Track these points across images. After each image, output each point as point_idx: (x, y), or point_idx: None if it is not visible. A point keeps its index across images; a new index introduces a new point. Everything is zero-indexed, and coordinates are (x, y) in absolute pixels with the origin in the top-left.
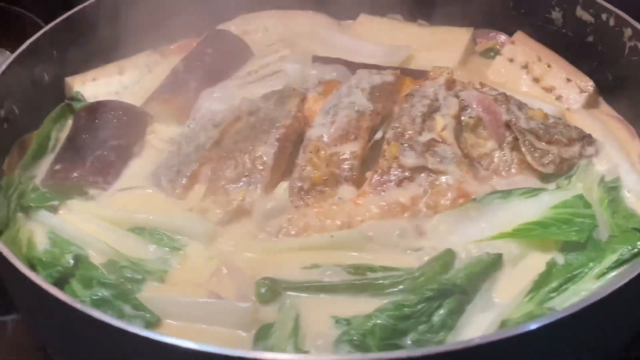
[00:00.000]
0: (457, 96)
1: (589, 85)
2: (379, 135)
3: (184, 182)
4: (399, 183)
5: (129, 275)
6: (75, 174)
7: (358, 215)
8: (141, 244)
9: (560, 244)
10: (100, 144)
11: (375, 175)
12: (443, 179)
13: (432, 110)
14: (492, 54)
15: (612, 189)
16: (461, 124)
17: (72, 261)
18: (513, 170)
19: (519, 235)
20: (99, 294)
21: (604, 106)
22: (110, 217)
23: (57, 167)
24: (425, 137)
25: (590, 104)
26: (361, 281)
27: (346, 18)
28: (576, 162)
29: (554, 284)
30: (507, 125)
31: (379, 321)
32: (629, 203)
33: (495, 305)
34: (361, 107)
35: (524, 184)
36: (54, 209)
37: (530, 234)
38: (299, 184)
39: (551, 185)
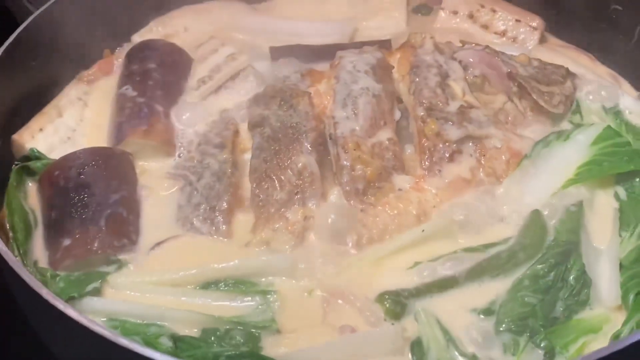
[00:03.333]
0: (453, 58)
1: (539, 22)
2: (397, 115)
3: (224, 217)
4: (451, 158)
5: (241, 340)
6: (96, 245)
7: (429, 201)
8: (226, 300)
9: (614, 176)
10: (102, 202)
11: (425, 157)
12: (489, 143)
13: (444, 77)
14: (424, 10)
15: (617, 113)
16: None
17: (170, 344)
18: (529, 118)
19: (583, 178)
20: None
21: (553, 39)
22: (170, 279)
23: (66, 242)
24: (453, 106)
25: (541, 40)
26: (478, 265)
27: (261, 1)
28: (574, 98)
29: (637, 214)
30: (509, 77)
31: (531, 300)
32: (636, 123)
33: (601, 252)
34: (376, 91)
35: (542, 129)
36: (96, 292)
37: (591, 174)
38: (354, 186)
39: (564, 124)
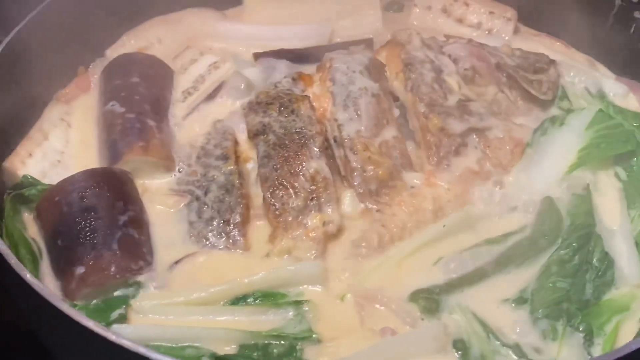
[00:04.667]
0: (442, 53)
1: (512, 12)
2: (396, 113)
3: (240, 230)
4: (457, 152)
5: (284, 353)
6: (112, 270)
7: (442, 196)
8: (259, 314)
9: (613, 157)
10: (110, 224)
11: (432, 152)
12: (492, 134)
13: (438, 72)
14: (395, 7)
15: (603, 96)
16: None
17: None
18: (520, 107)
19: (585, 162)
20: None
21: (525, 29)
22: (198, 298)
23: (80, 270)
24: (452, 100)
25: (515, 30)
26: (502, 255)
27: (229, 7)
28: (559, 84)
29: (637, 195)
30: (498, 68)
31: (562, 285)
32: (622, 104)
33: (615, 232)
34: (374, 90)
35: (534, 116)
36: (122, 318)
37: (592, 157)
38: (367, 188)
39: (554, 110)
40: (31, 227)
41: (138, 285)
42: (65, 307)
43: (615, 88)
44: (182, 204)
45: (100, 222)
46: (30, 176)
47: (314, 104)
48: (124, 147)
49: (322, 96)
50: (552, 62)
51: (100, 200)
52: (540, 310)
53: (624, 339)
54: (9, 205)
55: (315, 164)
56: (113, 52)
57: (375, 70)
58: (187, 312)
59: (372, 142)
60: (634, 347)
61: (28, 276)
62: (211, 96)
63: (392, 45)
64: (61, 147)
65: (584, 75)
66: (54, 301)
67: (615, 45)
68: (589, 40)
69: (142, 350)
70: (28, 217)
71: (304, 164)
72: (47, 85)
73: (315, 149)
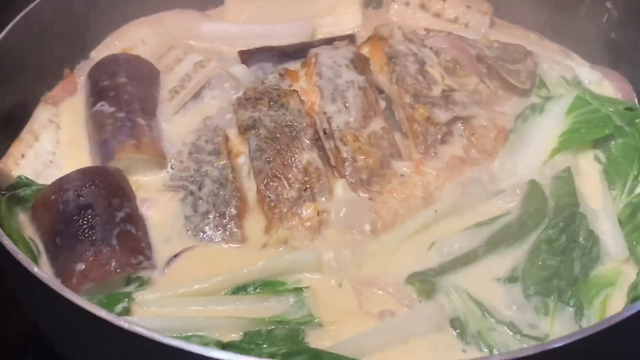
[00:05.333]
0: (424, 46)
1: (488, 6)
2: (382, 104)
3: (236, 222)
4: (443, 140)
5: (287, 337)
6: (113, 264)
7: (431, 183)
8: (260, 302)
9: (592, 141)
10: (108, 221)
11: (419, 141)
12: (476, 122)
13: (421, 64)
14: (374, 4)
15: (578, 83)
16: None
17: None
18: (501, 96)
19: (566, 146)
20: None
21: (500, 22)
22: (199, 289)
23: (81, 267)
24: (436, 90)
25: (490, 24)
26: (493, 237)
27: (210, 7)
28: (537, 74)
29: (620, 173)
30: (478, 59)
31: (552, 262)
32: (597, 91)
33: (598, 212)
34: (360, 83)
35: (515, 104)
36: (126, 312)
37: (572, 141)
38: (359, 177)
39: (533, 99)
40: (27, 228)
41: (139, 279)
42: (75, 298)
43: (590, 76)
44: (176, 199)
45: (98, 219)
46: (25, 177)
47: (302, 98)
48: (116, 146)
49: (310, 90)
50: (528, 52)
51: (97, 198)
52: (532, 288)
53: (613, 311)
54: (5, 206)
55: (308, 156)
56: (98, 54)
57: (360, 63)
58: (189, 303)
59: (361, 133)
60: (619, 319)
61: (36, 269)
62: (199, 94)
63: (375, 40)
64: (52, 147)
65: (559, 64)
66: (66, 294)
67: (588, 35)
68: (563, 31)
69: (157, 336)
70: (24, 218)
71: (296, 155)
72: (35, 88)
73: (307, 140)
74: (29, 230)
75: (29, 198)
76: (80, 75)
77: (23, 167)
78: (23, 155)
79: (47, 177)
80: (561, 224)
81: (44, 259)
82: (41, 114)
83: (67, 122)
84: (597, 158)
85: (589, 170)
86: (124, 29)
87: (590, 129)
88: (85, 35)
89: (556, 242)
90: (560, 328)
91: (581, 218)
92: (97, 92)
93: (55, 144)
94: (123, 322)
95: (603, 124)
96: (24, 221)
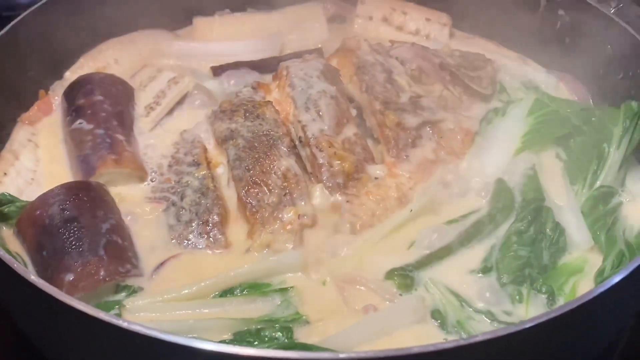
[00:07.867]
0: (390, 56)
1: (447, 18)
2: (353, 112)
3: (219, 229)
4: (413, 144)
5: (277, 335)
6: (102, 273)
7: (405, 184)
8: (247, 303)
9: (553, 140)
10: (94, 232)
11: (391, 146)
12: (444, 125)
13: (389, 73)
14: (339, 19)
15: (536, 87)
16: None
17: None
18: (465, 102)
19: (528, 146)
20: None
21: (459, 33)
22: (188, 294)
23: (69, 277)
24: (404, 97)
25: (450, 35)
26: (465, 232)
27: (179, 27)
28: (497, 80)
29: (580, 169)
30: (441, 67)
31: (523, 253)
32: (554, 94)
33: (561, 207)
34: (332, 92)
35: (478, 109)
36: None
37: (534, 141)
38: (335, 181)
39: (495, 103)
40: (11, 243)
41: (128, 288)
42: (75, 302)
43: (546, 80)
44: (160, 210)
45: (84, 231)
46: (8, 193)
47: (284, 108)
48: (97, 161)
49: (283, 101)
50: (488, 60)
51: (81, 211)
52: (505, 276)
53: None
54: None
55: (286, 162)
56: (72, 74)
57: (331, 74)
58: (179, 308)
59: (336, 139)
60: (583, 300)
61: (33, 277)
62: (174, 109)
63: (343, 52)
64: (32, 166)
65: (517, 70)
66: (62, 297)
67: (543, 42)
68: (519, 39)
69: (154, 333)
70: (7, 233)
71: (274, 162)
72: (11, 109)
73: (284, 148)
74: (15, 245)
75: (13, 214)
76: (56, 95)
77: (6, 184)
78: (5, 174)
79: (29, 194)
80: (529, 217)
81: (29, 269)
82: (19, 134)
83: (46, 140)
84: (558, 156)
85: (551, 168)
86: (97, 49)
87: (550, 129)
88: (58, 57)
89: (525, 234)
90: (534, 313)
91: (547, 211)
92: (73, 111)
93: (36, 162)
94: (122, 322)
95: (562, 124)
96: (7, 236)
